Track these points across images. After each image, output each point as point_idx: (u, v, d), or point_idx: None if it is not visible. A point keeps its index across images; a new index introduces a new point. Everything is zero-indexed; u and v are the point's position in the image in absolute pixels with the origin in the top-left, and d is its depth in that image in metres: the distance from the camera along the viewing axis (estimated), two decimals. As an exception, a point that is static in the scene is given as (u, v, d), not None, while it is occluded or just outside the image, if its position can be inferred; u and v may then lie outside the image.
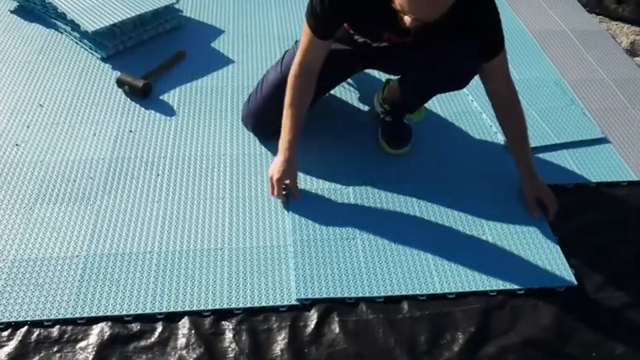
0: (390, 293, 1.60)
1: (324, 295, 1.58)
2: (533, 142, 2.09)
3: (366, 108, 2.20)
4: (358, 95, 2.24)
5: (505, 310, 1.56)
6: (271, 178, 1.68)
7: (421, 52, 1.54)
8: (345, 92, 2.26)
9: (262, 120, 1.87)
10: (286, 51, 1.89)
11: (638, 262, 1.72)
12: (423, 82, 1.67)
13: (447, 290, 1.62)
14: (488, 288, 1.64)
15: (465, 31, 1.45)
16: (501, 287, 1.64)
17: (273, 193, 1.71)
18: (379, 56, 1.68)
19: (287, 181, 1.70)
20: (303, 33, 1.60)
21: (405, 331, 1.50)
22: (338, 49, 1.71)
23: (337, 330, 1.49)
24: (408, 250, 1.70)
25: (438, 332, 1.50)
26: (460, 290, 1.62)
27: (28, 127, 2.07)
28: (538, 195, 1.73)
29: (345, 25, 1.58)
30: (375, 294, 1.60)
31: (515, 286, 1.64)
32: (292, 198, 1.79)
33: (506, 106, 1.62)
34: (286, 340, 1.46)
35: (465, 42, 1.47)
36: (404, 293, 1.60)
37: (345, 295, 1.58)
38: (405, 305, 1.56)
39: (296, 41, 1.82)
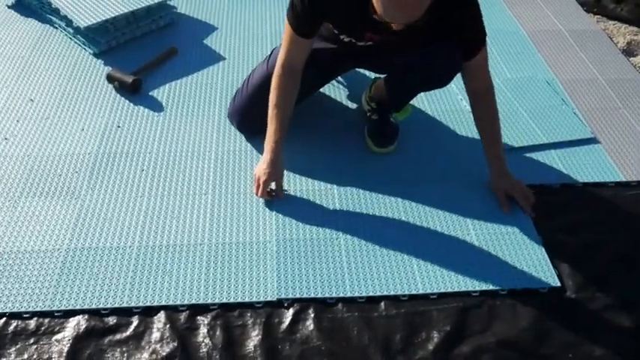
0: (371, 293, 1.60)
1: (305, 295, 1.58)
2: (521, 141, 2.08)
3: (354, 106, 2.19)
4: (347, 93, 2.24)
5: (482, 310, 1.55)
6: (257, 179, 1.68)
7: (405, 52, 1.54)
8: (334, 90, 2.25)
9: (247, 117, 1.87)
10: (274, 48, 1.89)
11: (621, 263, 1.70)
12: (407, 80, 1.68)
13: (428, 291, 1.62)
14: (470, 288, 1.63)
15: (448, 30, 1.45)
16: (484, 288, 1.63)
17: (258, 194, 1.71)
18: (365, 55, 1.68)
19: (273, 183, 1.70)
20: (285, 32, 1.60)
21: (380, 330, 1.49)
22: (324, 47, 1.70)
23: (312, 327, 1.49)
24: (391, 251, 1.70)
25: (414, 331, 1.49)
26: (442, 290, 1.62)
27: (17, 121, 2.08)
28: (506, 190, 1.72)
29: (328, 24, 1.58)
30: (357, 294, 1.59)
31: (498, 287, 1.63)
32: (276, 198, 1.79)
33: (483, 101, 1.63)
34: (260, 337, 1.46)
35: (447, 42, 1.47)
36: (385, 293, 1.60)
37: (327, 295, 1.58)
38: (382, 304, 1.56)
39: None
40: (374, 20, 1.33)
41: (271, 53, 1.86)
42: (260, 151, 1.92)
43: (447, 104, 2.23)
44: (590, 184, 1.95)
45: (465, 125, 2.14)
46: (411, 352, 1.45)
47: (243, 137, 2.04)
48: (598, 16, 2.88)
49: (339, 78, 2.26)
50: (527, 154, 2.03)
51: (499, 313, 1.55)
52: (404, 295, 1.60)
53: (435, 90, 2.13)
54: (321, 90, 2.18)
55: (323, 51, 1.67)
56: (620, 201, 1.89)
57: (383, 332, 1.49)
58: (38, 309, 1.52)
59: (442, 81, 1.63)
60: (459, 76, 1.69)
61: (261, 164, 1.68)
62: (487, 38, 1.58)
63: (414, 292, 1.61)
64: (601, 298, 1.61)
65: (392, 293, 1.60)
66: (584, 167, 2.00)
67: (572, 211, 1.85)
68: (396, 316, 1.53)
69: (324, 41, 1.67)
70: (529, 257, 1.71)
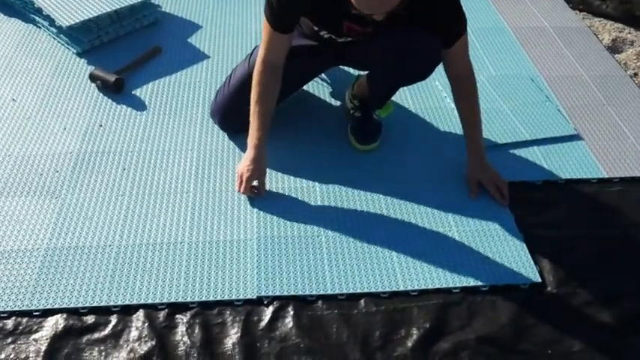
0: (352, 291, 1.60)
1: (286, 293, 1.57)
2: (504, 138, 2.08)
3: (337, 104, 2.19)
4: (330, 91, 2.24)
5: (462, 307, 1.55)
6: (240, 176, 1.68)
7: (384, 42, 1.53)
8: (317, 88, 2.25)
9: (229, 115, 1.87)
10: (255, 47, 1.89)
11: (602, 259, 1.70)
12: (387, 73, 1.67)
13: (409, 287, 1.62)
14: (451, 285, 1.63)
15: (427, 19, 1.44)
16: (465, 284, 1.64)
17: (240, 190, 1.71)
18: (345, 51, 1.68)
19: (255, 180, 1.70)
20: (263, 29, 1.60)
21: (360, 327, 1.49)
22: (305, 44, 1.70)
23: (291, 325, 1.49)
24: (372, 248, 1.70)
25: (393, 328, 1.49)
26: (423, 287, 1.62)
27: (-1, 120, 2.07)
28: (480, 178, 1.72)
29: (306, 19, 1.57)
30: (337, 291, 1.59)
31: (479, 283, 1.63)
32: (259, 195, 1.79)
33: (464, 87, 1.63)
34: (239, 335, 1.46)
35: (425, 33, 1.47)
36: (366, 291, 1.60)
37: (307, 292, 1.58)
38: (362, 301, 1.55)
39: None
40: (353, 15, 1.33)
41: (252, 52, 1.86)
42: (243, 149, 1.91)
43: (431, 101, 2.23)
44: (572, 180, 1.95)
45: (448, 123, 2.14)
46: (390, 349, 1.45)
47: (226, 136, 2.03)
48: (584, 13, 2.88)
49: (323, 76, 2.26)
50: (510, 151, 2.03)
51: (479, 309, 1.55)
52: (384, 293, 1.59)
53: (416, 84, 2.14)
54: (305, 88, 2.17)
55: (304, 48, 1.67)
56: (601, 197, 1.89)
57: (362, 329, 1.49)
58: (16, 308, 1.51)
59: (422, 73, 1.63)
60: (442, 73, 1.69)
61: (244, 161, 1.68)
62: (468, 26, 1.57)
63: (394, 289, 1.61)
64: (581, 293, 1.61)
65: (373, 290, 1.60)
66: (566, 164, 2.00)
67: (553, 208, 1.85)
68: (376, 313, 1.53)
69: (304, 38, 1.67)
70: (510, 253, 1.71)
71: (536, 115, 2.19)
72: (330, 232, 1.74)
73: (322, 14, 1.51)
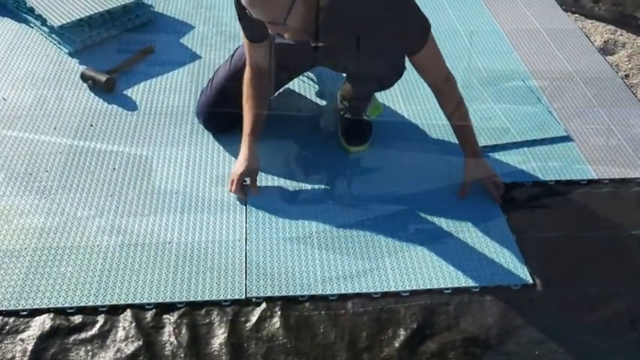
0: (343, 291, 1.59)
1: (276, 294, 1.57)
2: (495, 139, 2.08)
3: (325, 103, 2.19)
4: (322, 91, 2.24)
5: (450, 307, 1.55)
6: (233, 174, 1.67)
7: (344, 57, 1.53)
8: (308, 88, 2.25)
9: (212, 115, 1.87)
10: (237, 48, 1.89)
11: (592, 260, 1.70)
12: (354, 85, 1.67)
13: (400, 288, 1.61)
14: (442, 286, 1.63)
15: (386, 31, 1.39)
16: (456, 285, 1.64)
17: (231, 190, 1.71)
18: (320, 55, 1.65)
19: (247, 179, 1.70)
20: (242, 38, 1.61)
21: (347, 328, 1.49)
22: (284, 42, 1.66)
23: (278, 325, 1.48)
24: (364, 249, 1.70)
25: (380, 328, 1.49)
26: (414, 288, 1.61)
27: (-11, 120, 2.07)
28: (477, 178, 1.72)
29: None
30: (328, 292, 1.59)
31: (470, 284, 1.63)
32: (250, 195, 1.79)
33: (443, 92, 1.62)
34: (226, 335, 1.45)
35: (386, 49, 1.46)
36: (357, 291, 1.60)
37: (297, 293, 1.58)
38: (350, 302, 1.55)
39: None
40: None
41: (234, 53, 1.85)
42: (232, 150, 1.91)
43: (424, 102, 2.23)
44: (562, 182, 1.95)
45: (440, 123, 2.14)
46: (377, 349, 1.45)
47: (216, 137, 2.03)
48: (576, 15, 2.89)
49: (311, 75, 2.25)
50: (501, 152, 2.03)
51: (469, 309, 1.55)
52: (376, 293, 1.59)
53: (408, 85, 2.14)
54: (296, 89, 2.17)
55: (283, 45, 1.64)
56: (592, 199, 1.89)
57: (350, 330, 1.49)
58: (3, 308, 1.51)
59: (385, 86, 1.74)
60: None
61: (237, 161, 1.68)
62: (460, 27, 1.55)
63: (385, 289, 1.61)
64: (572, 295, 1.61)
65: (364, 291, 1.60)
66: (556, 165, 2.00)
67: (544, 209, 1.85)
68: (364, 314, 1.53)
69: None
70: (501, 254, 1.71)
71: (526, 117, 2.19)
72: (320, 232, 1.74)
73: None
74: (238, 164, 1.66)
